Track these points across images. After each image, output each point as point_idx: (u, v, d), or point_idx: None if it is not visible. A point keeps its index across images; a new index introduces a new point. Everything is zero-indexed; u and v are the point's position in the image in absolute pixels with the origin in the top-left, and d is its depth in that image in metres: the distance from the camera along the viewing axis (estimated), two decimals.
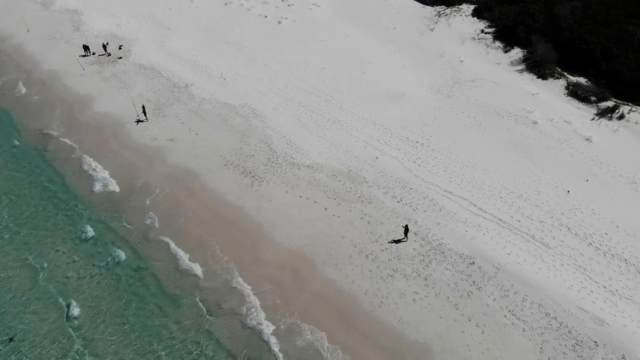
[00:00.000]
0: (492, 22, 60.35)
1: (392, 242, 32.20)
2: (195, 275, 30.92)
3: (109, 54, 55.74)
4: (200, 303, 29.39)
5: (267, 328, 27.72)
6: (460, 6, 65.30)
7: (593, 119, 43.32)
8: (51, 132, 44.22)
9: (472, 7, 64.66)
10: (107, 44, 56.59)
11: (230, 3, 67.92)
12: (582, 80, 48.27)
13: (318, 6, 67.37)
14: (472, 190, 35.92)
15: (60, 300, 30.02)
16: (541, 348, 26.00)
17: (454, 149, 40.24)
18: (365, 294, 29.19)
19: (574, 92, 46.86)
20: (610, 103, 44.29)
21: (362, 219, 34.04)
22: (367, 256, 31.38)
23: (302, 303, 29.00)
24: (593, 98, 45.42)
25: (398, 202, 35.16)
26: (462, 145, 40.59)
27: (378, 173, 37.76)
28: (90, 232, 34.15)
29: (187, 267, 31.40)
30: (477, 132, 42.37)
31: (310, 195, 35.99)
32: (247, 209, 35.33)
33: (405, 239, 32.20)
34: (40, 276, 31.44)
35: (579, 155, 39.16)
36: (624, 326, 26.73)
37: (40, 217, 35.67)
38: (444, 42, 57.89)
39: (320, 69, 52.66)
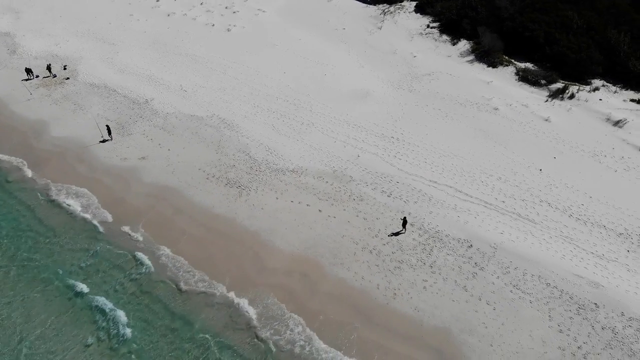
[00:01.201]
0: (435, 16, 63.16)
1: (391, 235, 33.03)
2: (206, 293, 30.10)
3: (54, 75, 52.77)
4: (212, 320, 28.69)
5: (296, 335, 27.55)
6: (402, 3, 67.76)
7: (546, 100, 46.60)
8: (9, 162, 41.23)
9: (414, 3, 67.35)
10: (51, 65, 53.50)
11: (172, 14, 66.38)
12: (530, 65, 51.75)
13: (263, 11, 67.45)
14: (454, 178, 37.58)
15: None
16: (549, 316, 27.77)
17: (428, 140, 41.85)
18: (377, 287, 29.78)
19: (524, 77, 50.15)
20: (559, 84, 47.83)
21: (357, 216, 34.64)
22: (370, 252, 32.01)
23: (318, 306, 29.09)
24: (543, 81, 48.84)
25: (388, 196, 36.11)
26: (435, 136, 42.30)
27: (363, 170, 38.55)
28: (80, 285, 31.37)
29: (191, 288, 30.53)
30: (445, 122, 44.29)
31: (301, 200, 36.10)
32: (240, 219, 34.84)
33: (403, 231, 33.16)
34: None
35: (542, 135, 42.03)
36: (617, 286, 29.15)
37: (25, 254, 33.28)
38: (393, 39, 59.83)
39: (281, 73, 52.80)
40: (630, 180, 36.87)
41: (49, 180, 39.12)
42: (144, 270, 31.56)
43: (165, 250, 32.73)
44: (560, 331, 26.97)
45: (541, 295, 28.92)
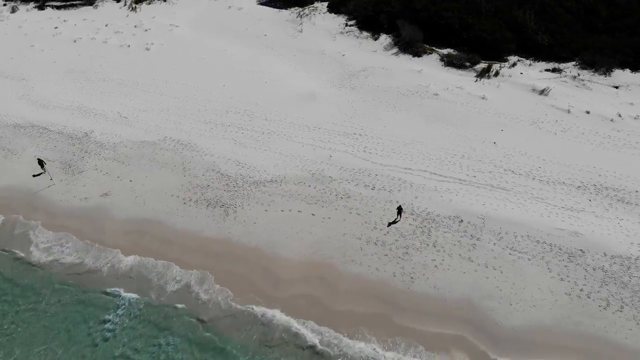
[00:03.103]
0: (350, 15, 65.75)
1: (389, 225, 34.50)
2: (234, 316, 29.24)
3: None
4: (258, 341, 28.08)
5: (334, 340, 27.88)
6: (314, 5, 69.50)
7: (476, 80, 51.00)
8: None
9: (326, 4, 69.46)
10: None
11: (79, 39, 61.95)
12: (451, 51, 56.11)
13: (176, 26, 65.50)
14: (425, 162, 40.01)
15: None
16: (549, 268, 31.04)
17: (388, 132, 43.94)
18: (394, 275, 31.08)
19: (450, 62, 54.31)
20: (483, 65, 52.56)
21: (350, 213, 35.61)
22: (375, 244, 33.20)
23: (344, 305, 29.66)
24: (467, 63, 53.30)
25: (372, 189, 37.53)
26: (393, 128, 44.50)
27: (340, 169, 39.55)
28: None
29: (215, 316, 29.51)
30: (396, 113, 46.71)
31: (291, 207, 36.23)
32: (236, 238, 34.14)
33: (398, 219, 34.80)
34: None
35: (484, 112, 46.09)
36: (592, 232, 33.29)
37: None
38: (318, 41, 61.37)
39: (220, 86, 51.89)
40: (570, 140, 41.95)
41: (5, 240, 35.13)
42: (166, 310, 29.86)
43: (170, 284, 31.18)
44: (562, 279, 30.30)
45: (535, 252, 32.15)
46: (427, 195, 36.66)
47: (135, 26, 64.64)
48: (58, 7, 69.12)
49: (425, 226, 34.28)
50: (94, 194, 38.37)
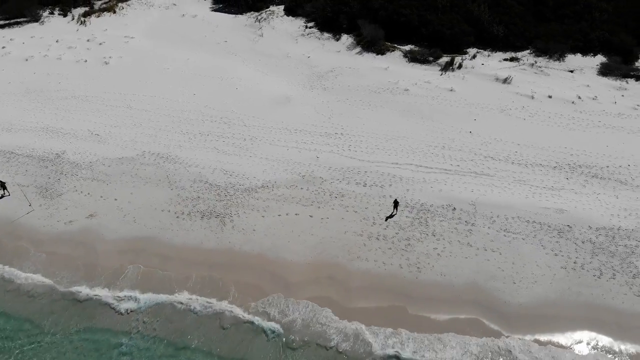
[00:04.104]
0: (307, 17, 66.41)
1: (387, 219, 35.35)
2: (253, 322, 29.04)
3: None
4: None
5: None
6: (271, 9, 69.61)
7: (441, 74, 53.00)
8: None
9: (282, 7, 69.72)
10: None
11: (30, 58, 59.05)
12: (412, 47, 57.91)
13: (132, 37, 63.89)
14: (410, 156, 41.22)
15: None
16: (542, 246, 32.91)
17: (368, 129, 44.88)
18: (401, 267, 31.91)
19: (414, 57, 56.11)
20: (445, 58, 54.66)
21: (347, 211, 36.16)
22: (377, 239, 33.93)
23: (357, 302, 30.17)
24: (430, 58, 55.27)
25: (364, 186, 38.27)
26: (371, 125, 45.50)
27: (328, 169, 40.03)
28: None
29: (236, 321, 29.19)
30: (372, 111, 47.76)
31: (288, 211, 36.33)
32: (238, 247, 33.84)
33: (395, 212, 35.73)
34: None
35: (455, 104, 48.00)
36: (575, 207, 35.58)
37: None
38: (280, 44, 61.66)
39: (190, 95, 51.08)
40: (539, 124, 44.50)
41: None
42: (179, 324, 29.15)
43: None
44: (555, 254, 32.23)
45: (528, 231, 33.98)
46: (418, 187, 37.83)
47: (88, 40, 62.30)
48: (1, 26, 65.36)
49: (421, 217, 35.38)
50: (78, 216, 36.81)
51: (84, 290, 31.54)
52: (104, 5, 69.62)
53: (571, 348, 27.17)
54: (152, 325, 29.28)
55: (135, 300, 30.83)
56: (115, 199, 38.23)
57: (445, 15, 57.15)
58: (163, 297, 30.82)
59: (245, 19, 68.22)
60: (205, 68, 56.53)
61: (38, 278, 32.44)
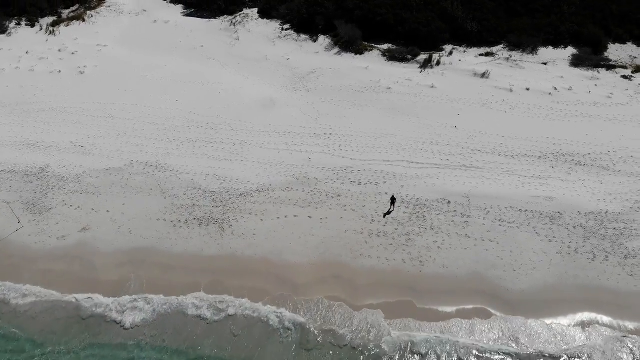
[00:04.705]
0: (282, 19, 66.47)
1: (385, 216, 35.89)
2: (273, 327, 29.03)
3: None
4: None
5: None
6: (245, 12, 69.35)
7: (421, 72, 53.99)
8: None
9: (256, 9, 69.54)
10: None
11: (1, 71, 56.89)
12: (390, 46, 58.76)
13: (105, 45, 62.55)
14: (400, 153, 41.91)
15: None
16: (537, 233, 34.09)
17: (356, 128, 45.36)
18: (404, 262, 32.50)
19: (392, 56, 56.94)
20: (424, 56, 55.70)
21: (345, 210, 36.52)
22: (377, 235, 34.42)
23: (365, 299, 30.56)
24: (409, 56, 56.22)
25: (359, 184, 38.71)
26: (359, 124, 46.00)
27: (322, 169, 40.29)
28: None
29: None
30: (357, 110, 48.27)
31: (286, 213, 36.40)
32: (240, 252, 33.73)
33: (392, 209, 36.31)
34: None
35: (437, 100, 49.03)
36: (563, 195, 36.96)
37: None
38: (257, 47, 61.55)
39: (173, 102, 50.43)
40: (520, 116, 45.95)
41: None
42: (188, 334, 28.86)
43: (190, 309, 30.25)
44: (550, 241, 33.44)
45: (521, 220, 35.12)
46: (412, 183, 38.53)
47: (59, 50, 60.62)
48: None
49: (418, 212, 36.07)
50: (71, 231, 35.94)
51: (86, 307, 30.79)
52: (73, 14, 67.83)
53: (574, 328, 28.30)
54: (162, 337, 28.93)
55: (141, 311, 30.37)
56: (108, 211, 37.48)
57: (420, 14, 58.25)
58: (169, 308, 30.44)
59: (219, 23, 67.73)
60: (184, 74, 55.89)
61: (36, 297, 31.53)
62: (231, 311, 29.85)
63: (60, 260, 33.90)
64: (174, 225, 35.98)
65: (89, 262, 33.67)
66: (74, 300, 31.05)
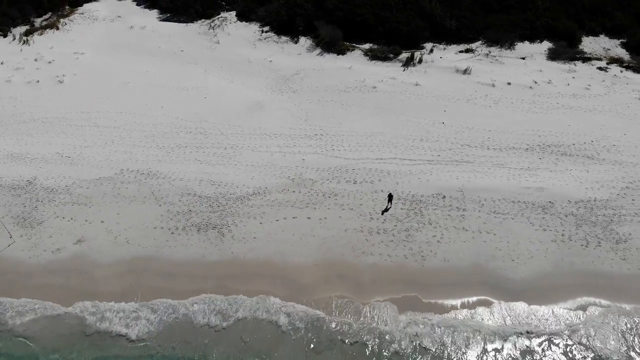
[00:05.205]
0: (261, 21, 66.42)
1: (383, 213, 36.37)
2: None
3: None
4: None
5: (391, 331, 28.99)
6: (223, 15, 69.00)
7: (404, 70, 54.82)
8: None
9: (234, 13, 69.31)
10: None
11: None
12: (371, 45, 59.40)
13: (82, 53, 61.42)
14: (392, 150, 42.49)
15: None
16: (531, 223, 35.12)
17: (346, 128, 45.76)
18: (406, 257, 33.01)
19: (375, 55, 57.62)
20: (406, 54, 56.54)
21: (343, 209, 36.84)
22: (377, 233, 34.86)
23: (371, 296, 30.93)
24: (391, 55, 56.98)
25: (354, 183, 39.09)
26: (348, 123, 46.40)
27: (317, 170, 40.52)
28: None
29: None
30: (345, 110, 48.69)
31: (285, 215, 36.48)
32: (242, 256, 33.64)
33: (389, 206, 36.82)
34: None
35: (423, 97, 49.88)
36: (553, 184, 38.15)
37: None
38: (239, 50, 61.47)
39: (159, 108, 49.87)
40: (504, 110, 47.19)
41: None
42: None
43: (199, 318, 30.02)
44: (544, 230, 34.51)
45: (515, 211, 36.12)
46: (406, 180, 39.14)
47: (35, 59, 59.14)
48: None
49: (415, 208, 36.68)
50: (66, 243, 35.16)
51: (88, 322, 30.12)
52: (46, 23, 66.23)
53: (574, 311, 29.33)
54: (171, 344, 28.64)
55: (146, 322, 29.94)
56: (102, 221, 36.82)
57: (400, 13, 59.11)
58: (175, 316, 30.13)
59: (197, 27, 67.23)
60: (167, 79, 55.32)
61: (35, 314, 30.60)
62: (240, 315, 29.75)
63: (57, 274, 33.10)
64: (172, 233, 35.63)
65: (87, 274, 33.00)
66: (76, 314, 30.36)
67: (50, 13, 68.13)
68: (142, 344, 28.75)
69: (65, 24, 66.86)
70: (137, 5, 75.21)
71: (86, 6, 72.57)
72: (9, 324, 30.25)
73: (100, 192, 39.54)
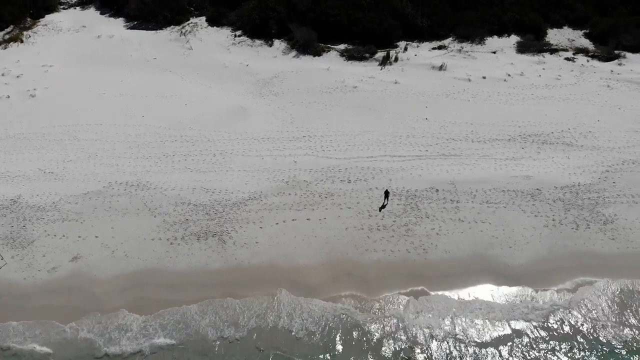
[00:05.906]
0: (232, 25, 66.15)
1: (380, 210, 37.05)
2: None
3: None
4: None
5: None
6: (193, 21, 68.31)
7: (381, 69, 55.82)
8: None
9: (204, 18, 68.72)
10: None
11: None
12: (346, 46, 60.13)
13: (50, 65, 59.64)
14: (381, 148, 43.27)
15: None
16: (522, 210, 36.56)
17: (333, 128, 46.27)
18: (408, 252, 33.76)
19: (351, 55, 58.40)
20: (381, 53, 57.56)
21: (341, 209, 37.29)
22: (378, 229, 35.50)
23: (379, 292, 31.47)
24: (367, 55, 57.88)
25: (349, 182, 39.63)
26: (334, 124, 46.95)
27: (310, 171, 40.83)
28: None
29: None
30: (330, 111, 49.19)
31: (284, 218, 36.61)
32: (247, 261, 33.55)
33: (386, 202, 37.53)
34: None
35: (403, 95, 50.95)
36: (538, 172, 39.83)
37: None
38: (213, 55, 61.14)
39: (140, 118, 48.98)
40: (482, 103, 48.82)
41: None
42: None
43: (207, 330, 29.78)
44: (535, 216, 36.00)
45: (506, 199, 37.50)
46: (399, 176, 39.97)
47: (2, 74, 56.94)
48: None
49: (411, 202, 37.53)
50: (61, 261, 34.12)
51: (97, 344, 29.18)
52: (8, 36, 63.82)
53: (575, 291, 30.78)
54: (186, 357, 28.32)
55: (158, 336, 29.43)
56: (96, 237, 35.94)
57: (372, 13, 60.12)
58: (187, 328, 29.74)
59: (168, 34, 66.32)
60: (143, 88, 54.35)
61: (36, 338, 29.63)
62: (252, 324, 29.68)
63: (55, 293, 32.04)
64: (171, 243, 35.17)
65: (88, 291, 32.10)
66: (83, 336, 29.50)
67: (12, 26, 65.66)
68: None
69: (30, 36, 64.66)
70: (101, 14, 73.57)
71: (48, 17, 70.39)
72: (12, 350, 29.19)
73: (90, 206, 38.56)
